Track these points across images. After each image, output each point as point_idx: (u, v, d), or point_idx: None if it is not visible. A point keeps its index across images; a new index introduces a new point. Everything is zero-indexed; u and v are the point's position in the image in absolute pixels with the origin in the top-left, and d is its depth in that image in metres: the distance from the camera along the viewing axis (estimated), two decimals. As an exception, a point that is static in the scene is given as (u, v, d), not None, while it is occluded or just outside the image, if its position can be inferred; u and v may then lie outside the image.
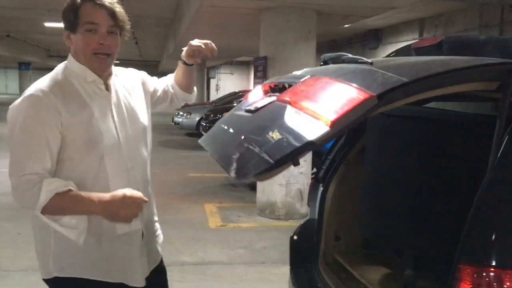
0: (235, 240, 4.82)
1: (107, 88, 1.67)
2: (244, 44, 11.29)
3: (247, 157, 1.35)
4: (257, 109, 1.66)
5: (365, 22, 8.56)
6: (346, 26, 8.81)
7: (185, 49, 1.89)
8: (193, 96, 2.06)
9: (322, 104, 1.37)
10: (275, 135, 1.35)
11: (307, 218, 2.58)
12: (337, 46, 15.68)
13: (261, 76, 5.80)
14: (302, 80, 1.65)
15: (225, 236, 4.93)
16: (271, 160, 1.25)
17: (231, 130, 1.69)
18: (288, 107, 1.47)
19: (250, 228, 5.30)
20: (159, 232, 1.89)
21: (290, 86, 1.69)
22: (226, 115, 2.08)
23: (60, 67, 1.66)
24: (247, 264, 4.23)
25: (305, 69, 1.96)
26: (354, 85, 1.37)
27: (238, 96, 14.74)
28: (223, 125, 1.82)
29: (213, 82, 30.23)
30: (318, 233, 2.49)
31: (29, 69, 27.61)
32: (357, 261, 2.47)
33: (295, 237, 2.48)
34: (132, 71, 1.88)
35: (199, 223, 5.36)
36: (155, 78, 2.00)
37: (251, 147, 1.37)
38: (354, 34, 13.94)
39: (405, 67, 1.56)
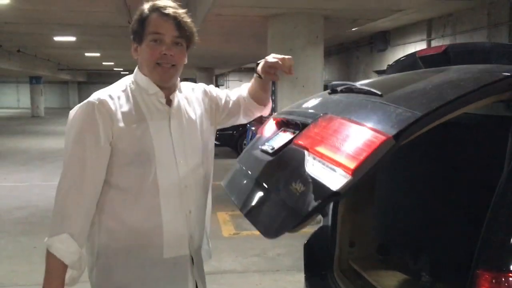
0: (249, 248, 4.81)
1: (169, 102, 1.61)
2: (253, 51, 11.32)
3: (275, 213, 1.37)
4: (274, 152, 1.67)
5: (373, 24, 8.53)
6: (353, 29, 8.79)
7: (261, 62, 1.77)
8: (268, 109, 1.95)
9: (340, 150, 1.35)
10: (298, 186, 1.35)
11: (321, 224, 2.56)
12: (345, 49, 15.66)
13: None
14: (314, 120, 1.63)
15: (238, 244, 4.92)
16: (298, 216, 1.26)
17: (252, 177, 1.69)
18: (306, 154, 1.46)
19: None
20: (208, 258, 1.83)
21: (303, 125, 1.67)
22: (244, 153, 2.06)
23: (125, 78, 1.65)
24: (261, 272, 4.21)
25: (314, 101, 1.95)
26: (369, 125, 1.35)
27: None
28: (243, 168, 1.82)
29: (222, 90, 30.35)
30: (332, 239, 2.46)
31: (40, 83, 27.93)
32: (372, 267, 2.44)
33: (309, 244, 2.47)
34: (199, 86, 1.82)
35: (212, 232, 5.29)
36: (226, 91, 1.90)
37: (276, 201, 1.38)
38: (362, 37, 13.91)
39: (416, 98, 1.51)
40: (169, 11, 1.53)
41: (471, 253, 1.42)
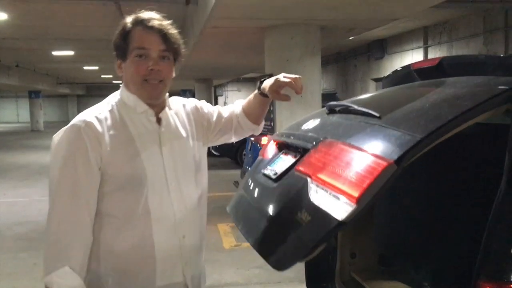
0: (250, 259, 4.78)
1: (158, 120, 1.52)
2: (250, 62, 11.36)
3: (283, 246, 1.37)
4: (277, 177, 1.68)
5: (369, 33, 8.58)
6: (350, 38, 8.84)
7: (268, 82, 1.67)
8: (260, 128, 1.85)
9: (342, 177, 1.36)
10: (304, 216, 1.36)
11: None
12: (342, 58, 15.73)
13: (268, 93, 5.82)
14: (315, 145, 1.64)
15: (240, 256, 4.90)
16: (306, 247, 1.27)
17: (257, 207, 1.69)
18: (309, 181, 1.47)
19: (264, 246, 5.26)
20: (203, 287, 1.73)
21: (304, 150, 1.68)
22: (247, 177, 2.05)
23: (111, 96, 1.55)
24: (263, 284, 4.19)
25: (313, 122, 1.95)
26: (370, 151, 1.36)
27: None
28: (246, 195, 1.82)
29: (220, 100, 30.42)
30: (333, 250, 2.46)
31: (39, 97, 28.00)
32: (374, 278, 2.42)
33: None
34: (190, 102, 1.73)
35: (213, 244, 5.33)
36: (218, 107, 1.81)
37: (283, 233, 1.39)
38: (359, 45, 13.99)
39: (414, 119, 1.50)
40: (154, 23, 1.44)
41: (473, 264, 1.42)
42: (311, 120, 1.98)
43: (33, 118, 27.56)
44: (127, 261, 1.46)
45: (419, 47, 11.37)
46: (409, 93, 1.98)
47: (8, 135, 24.39)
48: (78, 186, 1.39)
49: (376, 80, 13.57)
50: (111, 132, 1.44)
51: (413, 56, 11.65)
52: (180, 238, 1.51)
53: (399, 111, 1.61)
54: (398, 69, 2.42)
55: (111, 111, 1.48)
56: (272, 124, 5.76)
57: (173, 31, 1.48)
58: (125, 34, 1.45)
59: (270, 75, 5.90)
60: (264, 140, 6.91)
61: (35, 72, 21.03)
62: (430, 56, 11.02)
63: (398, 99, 1.89)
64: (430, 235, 2.06)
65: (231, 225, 6.10)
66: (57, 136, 1.45)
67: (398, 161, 1.25)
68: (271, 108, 5.73)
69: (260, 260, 4.76)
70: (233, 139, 1.86)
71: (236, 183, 7.45)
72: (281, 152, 1.88)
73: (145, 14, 1.47)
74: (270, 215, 1.55)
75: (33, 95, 27.69)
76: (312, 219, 1.31)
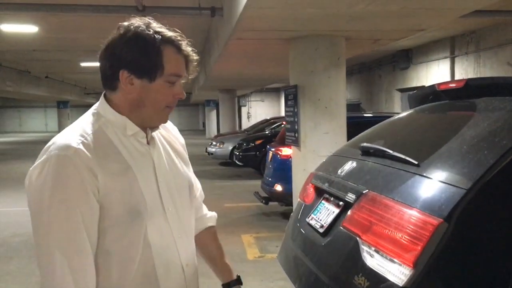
0: (274, 271, 4.75)
1: (148, 141, 1.36)
2: (274, 72, 11.40)
3: None
4: (324, 231, 1.70)
5: (395, 43, 8.51)
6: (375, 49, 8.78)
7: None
8: None
9: (393, 239, 1.35)
10: (362, 281, 1.36)
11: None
12: (367, 68, 15.63)
13: (292, 104, 5.82)
14: (357, 199, 1.64)
15: (264, 268, 4.88)
16: None
17: (310, 263, 1.70)
18: (360, 243, 1.47)
19: (288, 258, 5.22)
20: None
21: (346, 203, 1.68)
22: (292, 225, 2.08)
23: (90, 116, 1.34)
24: (288, 296, 4.16)
25: (349, 165, 1.94)
26: (417, 207, 1.34)
27: (270, 123, 14.80)
28: (294, 247, 1.82)
29: (243, 110, 30.56)
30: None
31: (67, 107, 28.75)
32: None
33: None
34: (175, 129, 1.58)
35: (237, 255, 5.32)
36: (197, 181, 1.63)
37: None
38: (384, 56, 13.88)
39: (455, 165, 1.46)
40: (183, 47, 1.31)
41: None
42: (347, 164, 1.97)
43: (61, 128, 28.05)
44: None
45: (445, 57, 11.21)
46: (441, 124, 1.95)
47: (36, 144, 24.93)
48: (78, 230, 1.18)
49: (402, 90, 13.42)
50: (103, 158, 1.24)
51: (439, 66, 11.49)
52: (183, 268, 1.37)
53: (437, 155, 1.57)
54: (423, 88, 2.41)
55: (95, 133, 1.28)
56: (296, 135, 5.74)
57: (196, 56, 1.35)
58: (156, 52, 1.26)
59: (295, 86, 5.84)
60: (285, 151, 6.88)
61: (63, 82, 21.57)
62: (457, 66, 10.85)
63: (432, 135, 1.87)
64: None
65: (255, 236, 6.09)
66: (35, 171, 1.21)
67: (448, 218, 1.24)
68: (295, 119, 5.72)
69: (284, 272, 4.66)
70: None
71: (257, 194, 7.44)
72: (322, 198, 1.89)
73: (169, 31, 1.30)
74: (327, 279, 1.55)
75: (61, 105, 28.42)
76: (371, 285, 1.31)
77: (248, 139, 12.48)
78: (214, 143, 13.97)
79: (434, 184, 1.39)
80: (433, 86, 2.25)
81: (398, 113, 9.68)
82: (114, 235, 1.24)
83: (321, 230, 1.70)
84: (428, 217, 1.27)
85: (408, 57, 12.85)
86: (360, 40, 6.06)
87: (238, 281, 1.62)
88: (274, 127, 13.34)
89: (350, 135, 5.78)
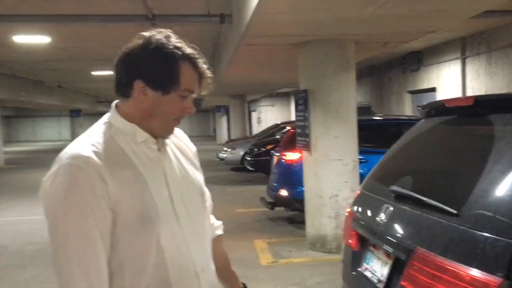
0: (288, 277, 4.75)
1: (159, 148, 1.39)
2: (284, 77, 11.41)
3: None
4: (383, 287, 1.74)
5: (404, 45, 8.47)
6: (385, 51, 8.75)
7: None
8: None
9: None
10: None
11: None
12: (377, 71, 15.57)
13: (302, 109, 5.82)
14: (407, 257, 1.64)
15: (277, 273, 4.87)
16: None
17: None
18: None
19: (301, 263, 5.21)
20: None
21: (396, 258, 1.71)
22: (346, 271, 2.15)
23: (101, 125, 1.37)
24: (301, 302, 4.14)
25: (388, 215, 1.92)
26: (472, 266, 1.34)
27: (280, 128, 14.81)
28: None
29: (254, 115, 30.59)
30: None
31: (80, 116, 29.06)
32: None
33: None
34: (187, 138, 1.60)
35: (250, 260, 5.32)
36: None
37: None
38: (393, 58, 13.81)
39: (496, 214, 1.42)
40: (200, 64, 1.34)
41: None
42: (383, 208, 1.96)
43: (74, 136, 28.02)
44: None
45: (456, 58, 11.13)
46: (465, 153, 1.91)
47: (50, 153, 25.15)
48: (93, 237, 1.21)
49: (412, 92, 13.34)
50: (114, 165, 1.26)
51: (450, 68, 11.41)
52: (198, 273, 1.36)
53: (474, 200, 1.52)
54: (432, 103, 2.40)
55: (106, 142, 1.30)
56: (307, 139, 5.73)
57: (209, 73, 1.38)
58: (175, 67, 1.30)
59: (305, 91, 5.86)
60: (289, 155, 6.84)
61: (75, 91, 21.83)
62: (468, 67, 10.76)
63: (458, 167, 1.84)
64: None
65: (268, 241, 6.08)
66: (48, 180, 1.24)
67: (507, 275, 1.24)
68: (306, 124, 5.72)
69: (298, 277, 4.74)
70: None
71: (263, 199, 7.41)
72: (369, 245, 1.91)
73: (188, 48, 1.34)
74: None
75: (74, 114, 28.73)
76: None
77: (259, 144, 12.49)
78: (225, 148, 14.01)
79: (481, 237, 1.37)
80: (440, 102, 2.24)
81: (408, 116, 9.47)
82: (126, 241, 1.26)
83: (380, 286, 1.73)
84: (488, 277, 1.27)
85: (418, 59, 12.76)
86: (370, 43, 6.05)
87: None
88: (284, 131, 13.34)
89: (361, 139, 5.78)
